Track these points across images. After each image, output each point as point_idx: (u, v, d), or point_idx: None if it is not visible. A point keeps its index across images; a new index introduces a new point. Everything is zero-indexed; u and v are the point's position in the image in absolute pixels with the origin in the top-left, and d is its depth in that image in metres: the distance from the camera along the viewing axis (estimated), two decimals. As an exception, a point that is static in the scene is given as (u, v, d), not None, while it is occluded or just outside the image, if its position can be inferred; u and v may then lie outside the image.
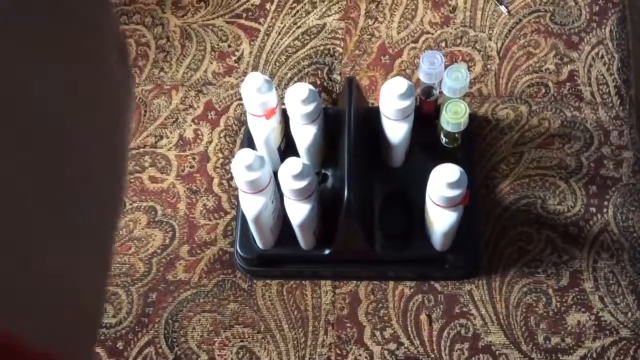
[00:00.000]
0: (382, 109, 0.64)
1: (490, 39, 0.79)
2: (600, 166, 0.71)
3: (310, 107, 0.62)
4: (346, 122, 0.62)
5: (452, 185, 0.56)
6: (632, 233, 0.68)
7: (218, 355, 0.65)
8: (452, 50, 0.78)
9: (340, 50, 0.80)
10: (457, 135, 0.64)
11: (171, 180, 0.74)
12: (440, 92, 0.66)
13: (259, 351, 0.65)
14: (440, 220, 0.60)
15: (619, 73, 0.77)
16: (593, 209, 0.69)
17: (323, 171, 0.71)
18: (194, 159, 0.75)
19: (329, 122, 0.68)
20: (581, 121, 0.74)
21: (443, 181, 0.56)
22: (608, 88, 0.76)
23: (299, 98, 0.61)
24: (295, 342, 0.66)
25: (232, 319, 0.67)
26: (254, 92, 0.62)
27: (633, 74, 0.78)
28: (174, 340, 0.66)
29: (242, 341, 0.66)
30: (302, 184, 0.58)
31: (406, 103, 0.60)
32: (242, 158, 0.58)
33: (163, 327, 0.67)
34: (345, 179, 0.61)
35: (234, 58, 0.80)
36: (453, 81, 0.61)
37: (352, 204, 0.60)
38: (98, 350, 0.66)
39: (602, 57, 0.77)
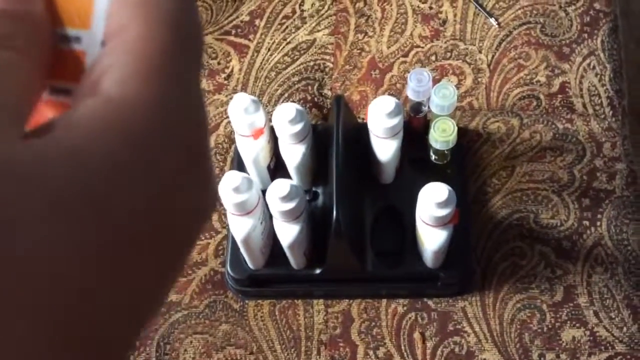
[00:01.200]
0: (370, 127, 0.63)
1: (480, 52, 0.78)
2: (593, 179, 0.71)
3: (298, 127, 0.61)
4: (334, 140, 0.62)
5: (441, 204, 0.56)
6: (627, 246, 0.68)
7: (210, 377, 0.65)
8: (442, 63, 0.78)
9: (331, 65, 0.80)
10: (446, 152, 0.64)
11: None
12: (429, 109, 0.65)
13: (251, 373, 0.65)
14: (431, 239, 0.59)
15: (611, 84, 0.76)
16: (586, 223, 0.69)
17: (313, 189, 0.70)
18: None
19: (319, 139, 0.68)
20: (573, 133, 0.73)
21: (432, 201, 0.56)
22: (600, 99, 0.75)
23: (287, 118, 0.61)
24: (287, 362, 0.65)
25: (224, 340, 0.66)
26: (241, 112, 0.61)
27: (625, 84, 0.78)
28: (166, 363, 0.66)
29: (234, 363, 0.65)
30: (291, 205, 0.58)
31: (394, 121, 0.60)
32: (229, 180, 0.57)
33: (154, 349, 0.66)
34: (334, 197, 0.60)
35: (223, 75, 0.80)
36: (440, 99, 0.60)
37: (341, 224, 0.59)
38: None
39: (594, 67, 0.77)
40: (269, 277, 0.67)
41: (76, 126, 0.17)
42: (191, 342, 0.67)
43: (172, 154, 0.18)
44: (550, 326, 0.65)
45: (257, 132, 0.63)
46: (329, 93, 0.79)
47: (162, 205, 0.17)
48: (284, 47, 0.81)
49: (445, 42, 0.79)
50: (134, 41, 0.18)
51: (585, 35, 0.78)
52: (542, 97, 0.75)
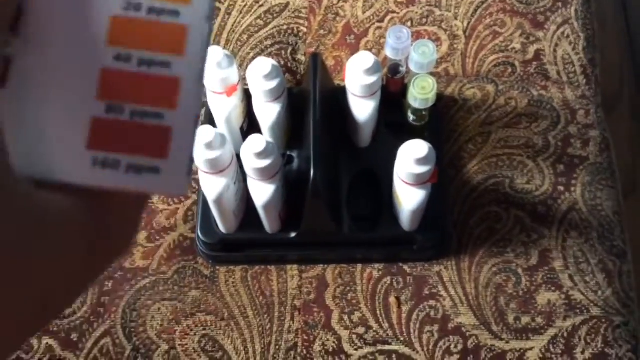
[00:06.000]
0: (348, 86, 0.61)
1: (456, 19, 0.77)
2: (568, 145, 0.71)
3: (273, 83, 0.59)
4: (312, 99, 0.60)
5: (421, 161, 0.54)
6: (600, 211, 0.68)
7: (179, 344, 0.63)
8: (418, 29, 0.77)
9: (305, 29, 0.78)
10: (424, 113, 0.63)
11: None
12: (407, 71, 0.64)
13: (222, 339, 0.63)
14: (409, 198, 0.58)
15: (584, 52, 0.76)
16: (561, 188, 0.69)
17: (288, 153, 0.68)
18: None
19: (294, 102, 0.66)
20: (548, 100, 0.73)
21: (412, 157, 0.54)
22: (574, 67, 0.75)
23: (262, 73, 0.59)
24: (260, 328, 0.63)
25: (194, 307, 0.64)
26: (214, 67, 0.59)
27: (599, 53, 0.78)
28: (132, 330, 0.63)
29: (204, 329, 0.63)
30: (266, 162, 0.56)
31: (373, 79, 0.58)
32: (202, 135, 0.55)
33: (120, 316, 0.64)
34: (311, 158, 0.58)
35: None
36: (420, 56, 0.59)
37: (318, 184, 0.58)
38: (50, 342, 0.62)
39: (568, 36, 0.77)
40: (242, 241, 0.65)
41: None
42: (159, 308, 0.64)
43: None
44: (525, 290, 0.64)
45: (231, 89, 0.61)
46: (303, 58, 0.77)
47: None
48: (256, 9, 0.79)
49: (421, 8, 0.78)
50: None
51: (560, 4, 0.78)
52: (517, 64, 0.75)
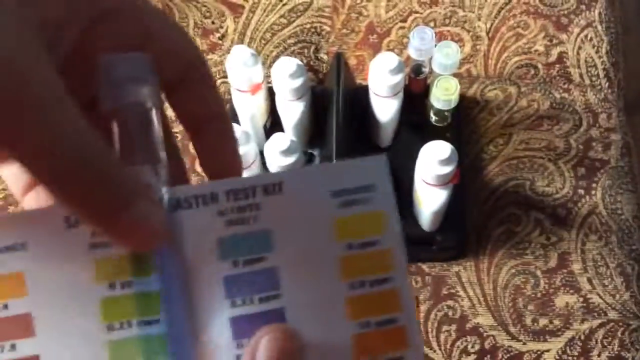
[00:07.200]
0: (371, 86, 0.62)
1: (479, 20, 0.78)
2: (589, 148, 0.71)
3: (298, 82, 0.60)
4: (334, 98, 0.61)
5: (443, 162, 0.55)
6: (620, 215, 0.68)
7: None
8: (441, 30, 0.77)
9: (328, 28, 0.79)
10: (447, 114, 0.63)
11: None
12: (430, 71, 0.65)
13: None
14: (430, 199, 0.59)
15: (607, 56, 0.76)
16: (581, 191, 0.69)
17: (309, 151, 0.69)
18: (176, 138, 0.73)
19: (316, 101, 0.66)
20: (570, 103, 0.73)
21: (434, 158, 0.55)
22: (597, 71, 0.75)
23: (287, 72, 0.59)
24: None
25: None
26: (240, 66, 0.60)
27: (622, 57, 0.78)
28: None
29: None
30: (290, 160, 0.56)
31: (397, 79, 0.59)
32: (228, 133, 0.56)
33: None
34: (332, 156, 0.59)
35: (217, 35, 0.78)
36: (444, 57, 0.60)
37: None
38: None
39: (591, 39, 0.77)
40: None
41: None
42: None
43: None
44: (544, 292, 0.65)
45: (255, 87, 0.62)
46: (325, 57, 0.77)
47: None
48: (280, 8, 0.79)
49: (445, 9, 0.78)
50: None
51: (583, 6, 0.78)
52: (540, 66, 0.75)
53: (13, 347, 0.24)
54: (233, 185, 0.25)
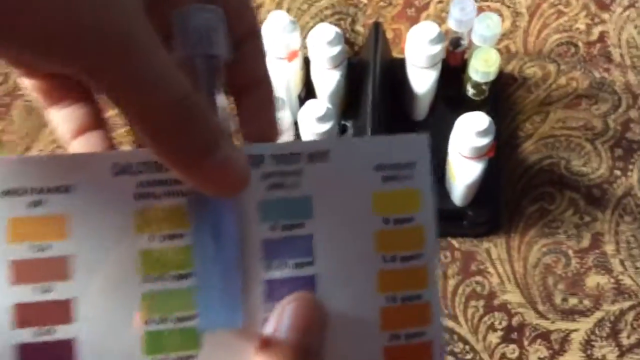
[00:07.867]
0: (408, 57, 0.62)
1: (520, -4, 0.76)
2: (627, 129, 0.69)
3: (335, 50, 0.60)
4: (371, 68, 0.60)
5: (480, 133, 0.54)
6: (657, 198, 0.67)
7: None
8: (480, 5, 0.76)
9: (365, 0, 0.78)
10: (484, 87, 0.62)
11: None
12: (469, 45, 0.64)
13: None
14: (465, 172, 0.58)
15: (650, 36, 0.74)
16: (618, 172, 0.68)
17: (342, 122, 0.69)
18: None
19: (351, 72, 0.66)
20: (609, 83, 0.72)
21: (471, 130, 0.54)
22: (638, 51, 0.74)
23: (325, 39, 0.59)
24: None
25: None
26: (278, 32, 0.60)
27: (665, 38, 0.76)
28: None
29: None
30: (326, 127, 0.56)
31: (437, 49, 0.58)
32: (264, 97, 0.56)
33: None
34: (367, 127, 0.59)
35: (254, 5, 0.78)
36: (485, 28, 0.59)
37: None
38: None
39: (634, 20, 0.75)
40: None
41: None
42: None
43: None
44: (575, 272, 0.64)
45: (292, 55, 0.62)
46: (361, 29, 0.77)
47: None
48: (318, -21, 0.79)
49: (485, -16, 0.77)
50: None
51: (628, -15, 0.76)
52: (580, 44, 0.74)
53: (49, 288, 0.24)
54: (280, 149, 0.25)
